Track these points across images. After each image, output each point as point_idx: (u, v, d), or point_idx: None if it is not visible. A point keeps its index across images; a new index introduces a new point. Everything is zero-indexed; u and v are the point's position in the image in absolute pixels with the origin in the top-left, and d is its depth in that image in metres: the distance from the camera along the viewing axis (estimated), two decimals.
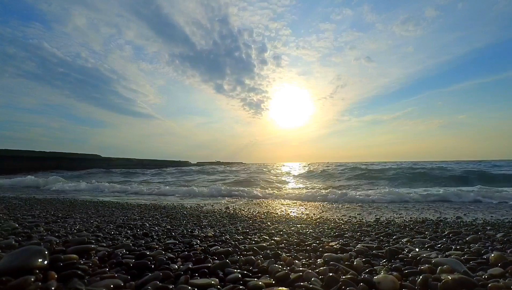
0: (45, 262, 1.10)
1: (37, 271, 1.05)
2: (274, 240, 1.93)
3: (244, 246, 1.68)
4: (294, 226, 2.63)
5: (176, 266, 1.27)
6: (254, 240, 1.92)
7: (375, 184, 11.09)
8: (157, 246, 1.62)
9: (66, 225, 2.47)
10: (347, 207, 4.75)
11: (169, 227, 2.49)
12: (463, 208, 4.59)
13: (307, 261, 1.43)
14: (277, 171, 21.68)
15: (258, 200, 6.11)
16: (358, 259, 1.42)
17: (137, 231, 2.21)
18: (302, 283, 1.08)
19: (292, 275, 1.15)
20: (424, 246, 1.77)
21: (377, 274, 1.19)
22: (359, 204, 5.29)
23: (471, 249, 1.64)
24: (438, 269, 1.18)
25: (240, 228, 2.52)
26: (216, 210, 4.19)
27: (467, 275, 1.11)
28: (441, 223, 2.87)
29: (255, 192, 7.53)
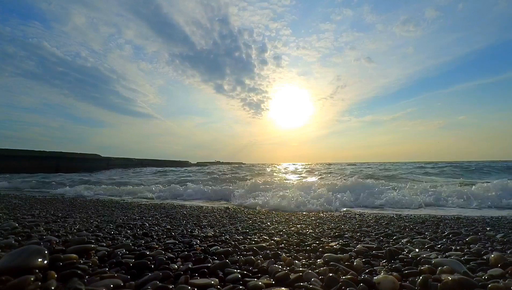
0: (45, 262, 1.10)
1: (37, 270, 1.05)
2: (274, 240, 1.92)
3: (244, 246, 1.68)
4: (294, 227, 2.63)
5: (176, 266, 1.27)
6: (254, 240, 1.92)
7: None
8: (157, 246, 1.62)
9: (66, 224, 2.47)
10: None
11: (169, 227, 2.49)
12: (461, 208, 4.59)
13: (307, 261, 1.42)
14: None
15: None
16: (358, 259, 1.42)
17: (137, 231, 2.21)
18: (302, 283, 1.08)
19: (292, 275, 1.15)
20: (424, 247, 1.77)
21: (377, 274, 1.19)
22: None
23: (471, 250, 1.64)
24: (438, 269, 1.18)
25: (240, 228, 2.52)
26: (216, 210, 4.19)
27: (467, 275, 1.11)
28: (441, 224, 2.87)
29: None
